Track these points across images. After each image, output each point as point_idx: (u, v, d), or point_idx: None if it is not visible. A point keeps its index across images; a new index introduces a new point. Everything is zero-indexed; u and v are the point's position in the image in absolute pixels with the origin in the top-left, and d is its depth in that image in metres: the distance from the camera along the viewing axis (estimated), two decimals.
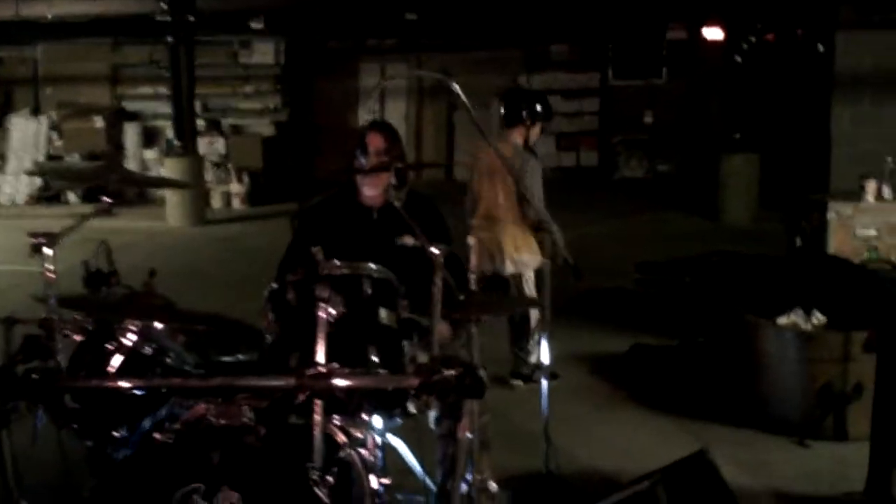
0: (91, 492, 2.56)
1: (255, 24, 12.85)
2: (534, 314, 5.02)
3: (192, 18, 11.67)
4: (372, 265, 2.73)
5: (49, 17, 11.63)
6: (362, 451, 3.08)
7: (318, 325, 2.39)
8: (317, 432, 2.37)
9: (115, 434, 2.96)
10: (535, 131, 5.45)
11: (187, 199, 11.93)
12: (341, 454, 2.93)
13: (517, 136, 5.39)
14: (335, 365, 2.36)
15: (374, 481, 3.02)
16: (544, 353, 3.91)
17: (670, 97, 14.85)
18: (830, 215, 5.14)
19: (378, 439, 3.36)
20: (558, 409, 4.82)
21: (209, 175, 13.67)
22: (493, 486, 3.30)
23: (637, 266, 6.73)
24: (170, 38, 11.73)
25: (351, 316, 2.58)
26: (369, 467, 3.01)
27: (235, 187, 13.70)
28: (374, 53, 15.94)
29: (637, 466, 3.66)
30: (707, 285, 6.02)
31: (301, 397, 2.40)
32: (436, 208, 3.76)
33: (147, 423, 2.93)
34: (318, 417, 2.37)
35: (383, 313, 2.68)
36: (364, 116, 4.36)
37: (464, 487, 3.23)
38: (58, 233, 2.60)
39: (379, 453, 3.32)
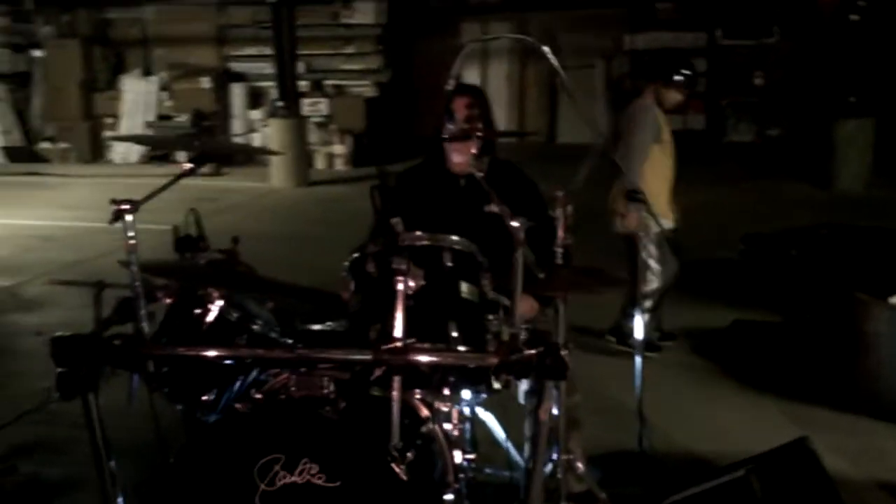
0: (175, 456, 2.56)
1: None
2: (651, 279, 4.99)
3: None
4: (454, 237, 2.65)
5: None
6: (446, 425, 3.04)
7: (395, 299, 2.32)
8: (395, 407, 2.31)
9: (203, 398, 3.00)
10: (670, 95, 5.22)
11: (291, 161, 12.04)
12: (424, 428, 2.89)
13: (648, 96, 5.23)
14: (412, 340, 2.30)
15: (458, 456, 2.98)
16: (638, 329, 3.78)
17: (782, 58, 14.27)
18: None
19: (466, 413, 3.34)
20: (656, 385, 4.70)
21: (312, 136, 13.81)
22: (580, 466, 3.22)
23: (743, 237, 6.49)
24: None
25: (431, 289, 2.51)
26: (453, 442, 2.97)
27: (338, 148, 13.82)
28: (476, 13, 15.80)
29: (734, 450, 3.53)
30: (815, 260, 5.75)
31: (378, 372, 2.35)
32: (525, 176, 3.64)
33: (235, 388, 2.95)
34: (395, 393, 2.31)
35: (465, 287, 2.60)
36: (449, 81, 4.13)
37: (549, 467, 3.18)
38: (139, 200, 2.59)
39: (466, 427, 3.29)
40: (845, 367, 4.61)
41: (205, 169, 13.01)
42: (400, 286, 2.34)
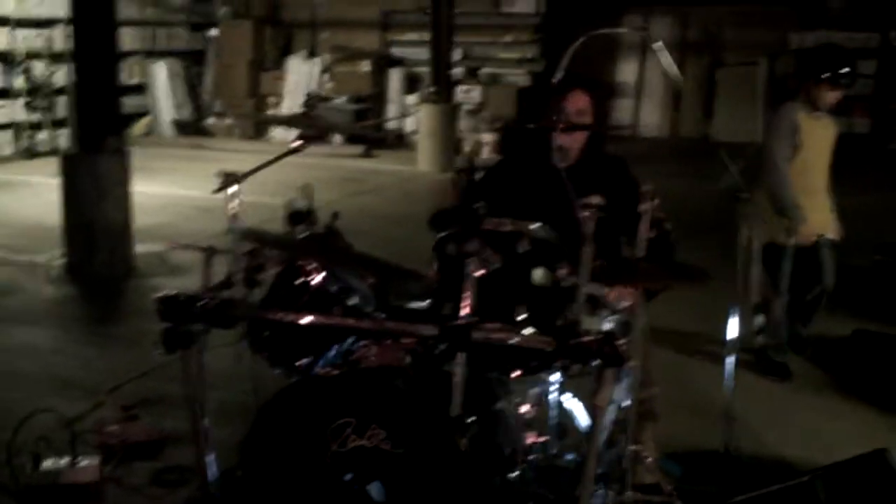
0: (257, 415, 2.77)
1: None
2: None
3: None
4: (534, 224, 2.75)
5: None
6: (524, 407, 3.16)
7: (465, 279, 2.45)
8: (457, 381, 2.44)
9: (298, 363, 3.21)
10: (822, 95, 4.91)
11: (439, 145, 12.28)
12: (496, 406, 3.02)
13: (801, 96, 5.00)
14: (475, 318, 2.42)
15: (528, 437, 3.09)
16: (733, 328, 3.77)
17: None
18: None
19: (553, 398, 3.44)
20: (760, 387, 4.68)
21: (463, 123, 14.02)
22: (649, 460, 3.27)
23: (876, 246, 6.28)
24: None
25: (505, 273, 2.62)
26: (525, 423, 3.09)
27: (487, 136, 13.96)
28: (639, 4, 15.60)
29: (826, 459, 3.47)
30: None
31: (441, 346, 2.48)
32: (628, 172, 3.68)
33: (329, 356, 3.15)
34: (458, 367, 2.44)
35: (538, 273, 2.69)
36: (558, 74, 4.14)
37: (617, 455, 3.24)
38: (242, 173, 2.81)
39: (552, 413, 3.39)
40: None
41: (357, 150, 13.53)
42: (470, 268, 2.48)
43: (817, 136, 4.96)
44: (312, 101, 3.60)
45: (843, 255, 7.12)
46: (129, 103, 14.98)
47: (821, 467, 3.05)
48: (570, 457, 3.47)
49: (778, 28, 14.86)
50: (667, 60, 3.73)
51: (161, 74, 15.24)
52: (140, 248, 7.22)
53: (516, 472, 2.97)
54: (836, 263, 4.99)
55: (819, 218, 4.96)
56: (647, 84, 15.61)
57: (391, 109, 15.12)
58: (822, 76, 4.84)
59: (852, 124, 14.42)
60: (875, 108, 14.31)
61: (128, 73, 14.87)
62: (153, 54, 15.42)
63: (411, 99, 14.85)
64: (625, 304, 3.41)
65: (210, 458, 2.89)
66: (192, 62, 16.08)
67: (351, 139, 14.23)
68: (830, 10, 14.60)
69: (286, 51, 16.19)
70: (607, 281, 3.11)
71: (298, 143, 3.11)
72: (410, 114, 14.71)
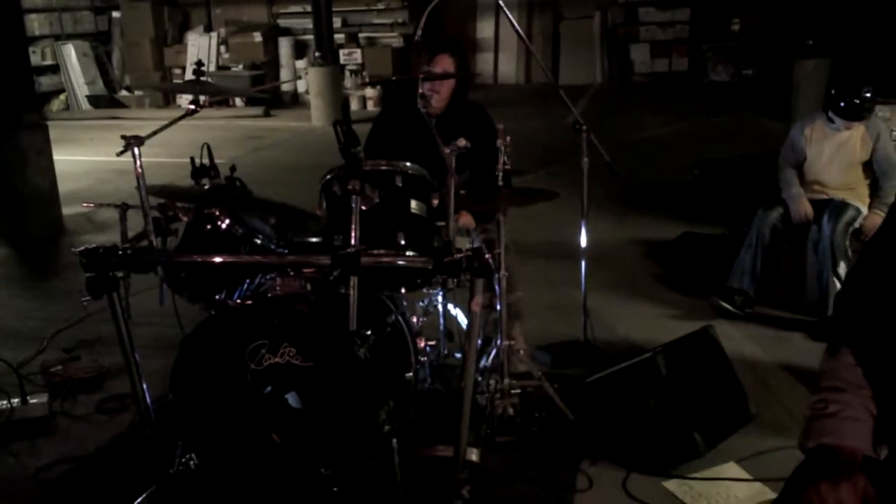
0: (181, 344, 2.71)
1: None
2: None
3: None
4: (407, 163, 2.73)
5: None
6: (412, 317, 3.19)
7: (351, 213, 2.43)
8: (351, 301, 2.42)
9: (216, 297, 3.15)
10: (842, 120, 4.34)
11: (329, 102, 12.03)
12: (389, 319, 3.03)
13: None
14: (363, 246, 2.41)
15: (420, 342, 3.13)
16: (582, 237, 3.87)
17: (757, 6, 13.91)
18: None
19: (439, 308, 3.47)
20: (609, 286, 4.81)
21: (348, 81, 13.81)
22: (521, 351, 3.34)
23: (696, 162, 6.48)
24: None
25: (385, 205, 2.61)
26: (415, 331, 3.11)
27: (369, 92, 13.77)
28: None
29: (666, 339, 3.59)
30: (758, 181, 5.74)
31: (335, 273, 2.46)
32: (486, 115, 3.69)
33: (243, 289, 3.09)
34: (352, 290, 2.43)
35: (414, 204, 2.69)
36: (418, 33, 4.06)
37: (494, 351, 3.31)
38: (144, 136, 2.70)
39: (440, 321, 3.43)
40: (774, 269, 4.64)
41: (255, 111, 13.20)
42: (354, 203, 2.45)
43: (827, 147, 4.42)
44: (199, 68, 3.47)
45: (671, 172, 7.42)
46: (46, 82, 14.23)
47: (660, 345, 3.16)
48: (457, 355, 3.54)
49: None
50: (511, 18, 3.71)
51: (71, 55, 14.46)
52: (67, 210, 6.93)
53: (411, 373, 3.01)
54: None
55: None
56: (502, 39, 15.60)
57: (284, 74, 14.75)
58: (840, 105, 4.31)
59: (672, 63, 14.83)
60: (691, 49, 14.67)
61: (40, 56, 14.10)
62: (62, 37, 14.61)
63: (301, 64, 14.50)
64: (467, 225, 3.47)
65: (144, 386, 2.82)
66: (99, 42, 15.32)
67: (250, 101, 13.85)
68: None
69: (184, 27, 15.54)
70: (468, 207, 3.14)
71: (191, 107, 3.00)
72: (301, 77, 14.38)
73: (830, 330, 1.88)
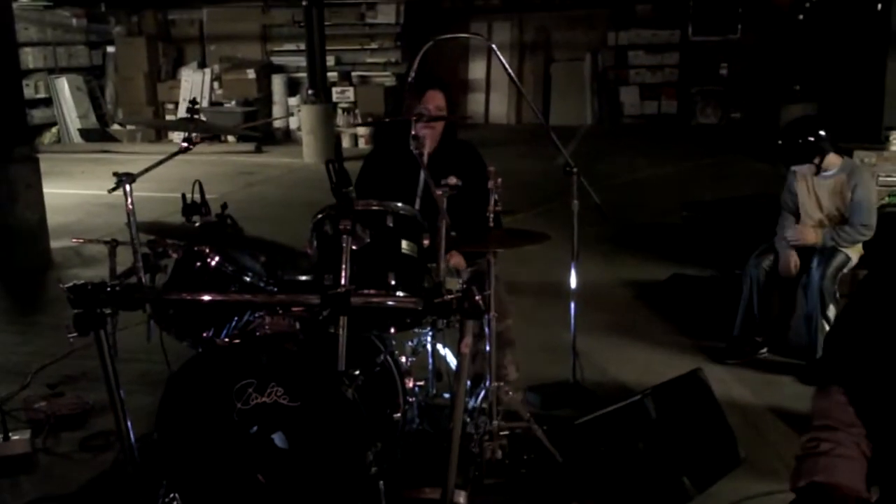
0: (167, 382, 2.68)
1: None
2: None
3: None
4: (399, 203, 2.74)
5: None
6: (401, 357, 3.16)
7: (342, 253, 2.42)
8: (341, 341, 2.41)
9: (203, 335, 3.12)
10: (831, 160, 4.29)
11: (320, 139, 12.10)
12: (378, 359, 3.01)
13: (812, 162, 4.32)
14: (352, 286, 2.40)
15: (409, 382, 3.10)
16: (573, 278, 3.87)
17: (744, 51, 14.18)
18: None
19: (428, 348, 3.46)
20: (599, 327, 4.81)
21: (340, 119, 13.89)
22: (510, 392, 3.31)
23: (684, 204, 6.52)
24: (304, 2, 11.84)
25: (376, 246, 2.60)
26: (404, 371, 3.09)
27: (361, 130, 13.85)
28: (482, 12, 15.74)
29: (655, 381, 3.59)
30: (747, 223, 5.78)
31: (324, 313, 2.45)
32: (477, 155, 3.71)
33: (231, 327, 3.07)
34: (342, 329, 2.42)
35: (405, 244, 2.69)
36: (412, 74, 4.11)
37: (484, 392, 3.29)
38: (136, 173, 2.69)
39: (430, 361, 3.41)
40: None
41: (247, 147, 13.25)
42: (345, 243, 2.45)
43: (816, 192, 4.38)
44: (193, 106, 3.47)
45: (660, 213, 7.46)
46: (38, 115, 14.25)
47: (649, 387, 3.15)
48: (446, 396, 3.51)
49: (597, 28, 15.24)
50: (501, 59, 3.74)
51: (64, 88, 14.50)
52: (56, 243, 6.89)
53: (399, 413, 2.99)
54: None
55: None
56: (493, 79, 15.75)
57: (276, 110, 14.83)
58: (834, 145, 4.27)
59: (661, 106, 15.00)
60: (680, 92, 14.85)
61: (33, 89, 14.13)
62: (56, 71, 14.67)
63: (293, 101, 14.58)
64: (458, 266, 3.47)
65: (128, 424, 2.79)
66: (92, 76, 15.38)
67: (242, 138, 13.91)
68: (638, 11, 15.04)
69: (178, 63, 15.64)
70: (458, 248, 3.14)
71: (184, 144, 3.00)
72: (294, 114, 14.46)
73: (820, 369, 1.87)
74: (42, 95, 14.42)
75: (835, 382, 1.78)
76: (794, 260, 4.32)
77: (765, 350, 4.49)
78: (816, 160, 4.26)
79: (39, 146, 13.21)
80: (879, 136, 8.24)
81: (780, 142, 4.39)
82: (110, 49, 15.45)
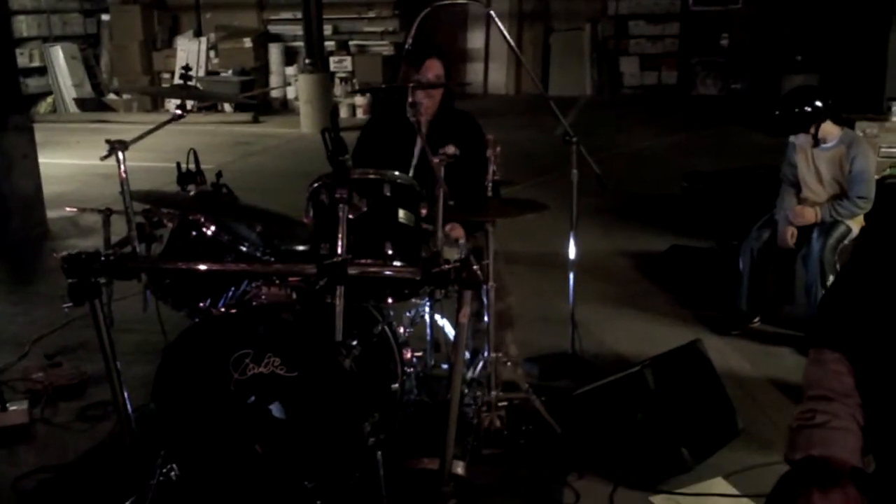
0: (163, 352, 2.67)
1: None
2: None
3: None
4: (396, 172, 2.70)
5: None
6: (398, 328, 3.15)
7: (338, 222, 2.39)
8: (337, 311, 2.38)
9: (200, 305, 3.10)
10: (830, 129, 4.24)
11: (318, 109, 11.99)
12: (376, 329, 3.00)
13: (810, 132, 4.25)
14: (349, 256, 2.37)
15: (406, 352, 3.09)
16: (571, 249, 3.85)
17: (745, 22, 14.01)
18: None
19: (426, 318, 3.44)
20: (597, 298, 4.80)
21: (337, 89, 13.79)
22: (508, 362, 3.30)
23: (684, 175, 6.48)
24: None
25: (372, 215, 2.57)
26: (401, 341, 3.08)
27: (359, 99, 13.75)
28: None
29: (654, 352, 3.57)
30: (745, 195, 5.75)
31: (321, 282, 2.42)
32: (475, 124, 3.67)
33: (228, 296, 3.05)
34: (339, 299, 2.39)
35: (402, 213, 2.65)
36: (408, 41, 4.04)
37: (481, 362, 3.27)
38: (129, 140, 2.65)
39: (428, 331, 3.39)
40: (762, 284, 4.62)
41: (244, 116, 13.16)
42: (341, 212, 2.41)
43: (815, 163, 4.34)
44: (187, 73, 3.41)
45: (659, 184, 7.42)
46: (33, 84, 14.14)
47: (648, 358, 3.14)
48: (444, 367, 3.50)
49: None
50: (501, 27, 3.68)
51: (59, 57, 14.37)
52: (52, 213, 6.85)
53: (397, 384, 2.98)
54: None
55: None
56: (492, 49, 15.61)
57: (274, 80, 14.71)
58: (833, 113, 4.21)
59: (662, 77, 14.88)
60: (680, 62, 14.73)
61: (28, 58, 14.01)
62: (50, 39, 14.52)
63: (291, 70, 14.46)
64: (457, 235, 3.44)
65: (125, 395, 2.77)
66: (87, 45, 15.23)
67: (239, 107, 13.81)
68: None
69: (174, 31, 15.48)
70: (456, 217, 3.11)
71: (178, 112, 2.95)
72: (291, 83, 14.34)
73: (814, 334, 1.85)
74: (37, 64, 14.31)
75: (829, 346, 1.76)
76: (791, 231, 4.30)
77: (757, 320, 4.47)
78: (812, 130, 4.22)
79: (35, 116, 13.11)
80: (881, 107, 8.19)
81: (776, 112, 4.34)
82: (105, 17, 15.30)
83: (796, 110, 4.23)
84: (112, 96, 14.82)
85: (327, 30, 13.53)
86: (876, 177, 4.38)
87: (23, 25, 13.95)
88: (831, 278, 4.13)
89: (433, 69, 3.52)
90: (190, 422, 2.66)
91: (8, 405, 3.50)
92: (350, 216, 2.41)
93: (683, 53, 14.68)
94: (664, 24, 14.77)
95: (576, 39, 15.12)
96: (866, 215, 4.25)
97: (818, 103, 4.20)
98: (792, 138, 4.36)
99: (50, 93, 14.52)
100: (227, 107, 13.98)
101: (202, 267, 2.62)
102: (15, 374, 3.97)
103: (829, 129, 4.24)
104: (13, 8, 12.24)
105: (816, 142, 4.26)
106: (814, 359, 1.79)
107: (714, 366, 3.30)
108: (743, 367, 3.97)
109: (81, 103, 14.44)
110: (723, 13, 14.36)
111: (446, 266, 2.34)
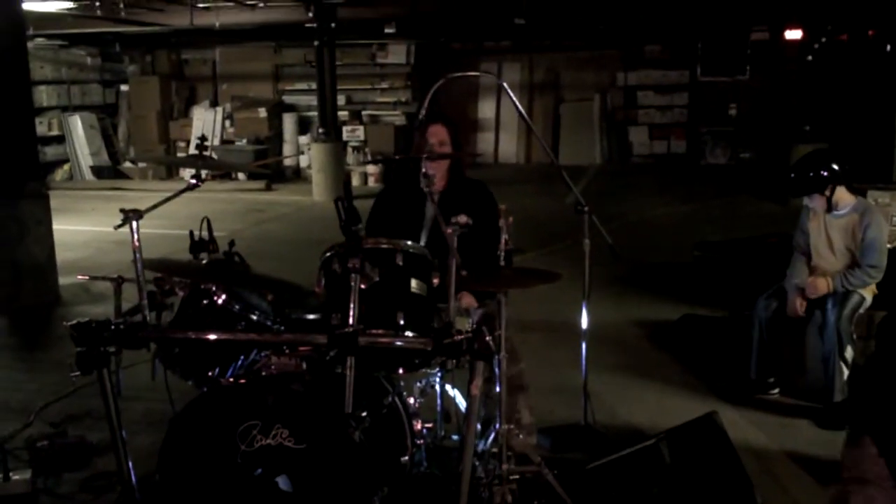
0: (169, 423, 2.63)
1: (389, 30, 12.91)
2: None
3: (333, 25, 11.84)
4: (408, 242, 2.69)
5: (217, 25, 11.92)
6: (409, 398, 3.10)
7: (350, 292, 2.38)
8: (348, 381, 2.35)
9: (209, 374, 3.06)
10: (843, 195, 4.24)
11: (330, 178, 12.13)
12: (386, 400, 2.95)
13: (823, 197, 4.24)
14: (360, 326, 2.35)
15: (417, 424, 3.04)
16: (583, 318, 3.81)
17: (753, 92, 14.21)
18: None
19: (437, 389, 3.39)
20: (610, 368, 4.73)
21: (350, 158, 13.96)
22: (521, 436, 3.23)
23: (696, 244, 6.46)
24: (315, 42, 11.95)
25: (385, 285, 2.55)
26: (412, 413, 3.02)
27: (371, 168, 13.90)
28: (492, 53, 15.85)
29: (668, 424, 3.50)
30: (758, 263, 5.72)
31: (332, 353, 2.39)
32: (488, 193, 3.68)
33: (237, 366, 3.02)
34: (349, 370, 2.36)
35: (414, 283, 2.64)
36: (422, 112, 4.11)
37: (493, 434, 3.21)
38: (143, 210, 2.66)
39: (439, 402, 3.33)
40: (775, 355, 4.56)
41: (258, 185, 13.29)
42: (353, 282, 2.40)
43: (827, 231, 4.32)
44: (202, 143, 3.48)
45: (671, 253, 7.40)
46: (51, 152, 14.37)
47: (663, 431, 3.07)
48: (455, 437, 3.43)
49: (606, 69, 15.33)
50: (512, 96, 3.71)
51: (78, 126, 14.63)
52: (64, 279, 6.87)
53: (407, 456, 2.92)
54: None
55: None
56: (503, 119, 15.82)
57: (287, 149, 14.91)
58: (847, 179, 4.20)
59: (671, 146, 15.02)
60: (689, 132, 14.88)
61: (47, 126, 14.26)
62: (70, 109, 14.81)
63: (304, 139, 14.67)
64: (469, 306, 3.41)
65: (130, 465, 2.73)
66: (106, 114, 15.52)
67: (253, 175, 13.97)
68: (648, 52, 15.13)
69: (191, 101, 15.80)
70: (469, 287, 3.08)
71: (192, 181, 2.97)
72: (304, 152, 14.53)
73: (849, 418, 1.81)
74: (55, 133, 14.56)
75: (865, 432, 1.72)
76: (801, 301, 4.26)
77: (776, 391, 4.40)
78: (827, 192, 4.20)
79: (51, 183, 13.29)
80: (891, 177, 8.21)
81: (791, 174, 4.34)
82: (124, 87, 15.64)
83: (811, 174, 4.23)
84: (128, 164, 15.02)
85: (341, 100, 13.79)
86: (889, 246, 4.35)
87: (43, 95, 14.24)
88: (849, 349, 4.07)
89: (437, 135, 3.55)
90: (195, 494, 2.61)
91: (11, 474, 3.43)
92: (362, 286, 2.40)
93: (692, 123, 14.85)
94: (673, 95, 14.98)
95: (585, 109, 15.32)
96: (881, 285, 4.21)
97: (834, 166, 4.20)
98: (806, 200, 4.34)
99: (67, 160, 14.73)
100: (240, 175, 14.14)
101: (212, 336, 2.59)
102: (19, 442, 3.90)
103: (843, 196, 4.23)
104: (35, 78, 12.49)
105: (830, 207, 4.24)
106: (850, 440, 1.75)
107: (730, 438, 3.22)
108: (759, 439, 3.88)
109: (98, 171, 14.64)
110: (731, 84, 14.58)
111: (458, 337, 2.31)
